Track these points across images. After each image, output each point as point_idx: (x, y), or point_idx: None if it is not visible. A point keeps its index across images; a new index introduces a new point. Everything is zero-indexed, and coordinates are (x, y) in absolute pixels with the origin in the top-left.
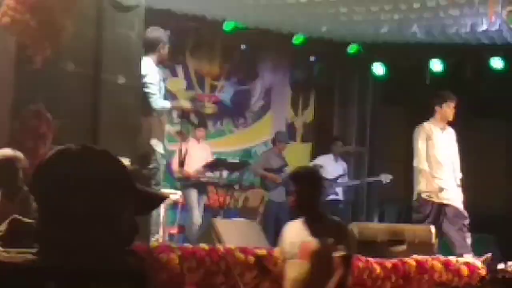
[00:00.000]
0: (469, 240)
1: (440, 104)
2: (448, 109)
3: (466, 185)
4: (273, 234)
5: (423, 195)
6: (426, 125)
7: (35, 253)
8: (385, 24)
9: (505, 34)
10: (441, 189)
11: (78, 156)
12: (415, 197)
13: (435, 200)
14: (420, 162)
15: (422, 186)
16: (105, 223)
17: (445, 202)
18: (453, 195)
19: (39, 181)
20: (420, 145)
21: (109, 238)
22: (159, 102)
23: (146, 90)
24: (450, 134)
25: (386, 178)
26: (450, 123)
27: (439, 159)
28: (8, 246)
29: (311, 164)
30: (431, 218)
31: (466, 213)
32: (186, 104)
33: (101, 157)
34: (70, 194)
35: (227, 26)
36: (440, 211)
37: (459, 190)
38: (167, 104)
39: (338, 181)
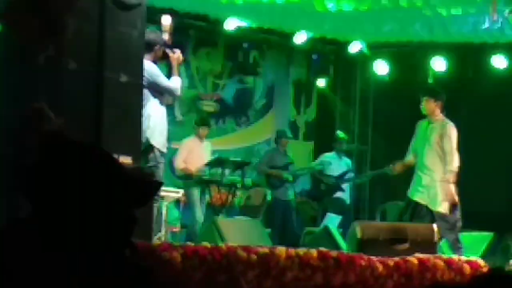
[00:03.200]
0: None
1: (420, 103)
2: (424, 107)
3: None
4: (280, 232)
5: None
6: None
7: None
8: (388, 22)
9: (507, 32)
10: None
11: (65, 153)
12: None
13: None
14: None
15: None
16: (97, 217)
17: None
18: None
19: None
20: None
21: (103, 233)
22: (173, 83)
23: (154, 87)
24: (435, 127)
25: (390, 170)
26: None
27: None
28: None
29: (315, 162)
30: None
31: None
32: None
33: (87, 152)
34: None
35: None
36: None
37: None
38: (178, 80)
39: (345, 177)
